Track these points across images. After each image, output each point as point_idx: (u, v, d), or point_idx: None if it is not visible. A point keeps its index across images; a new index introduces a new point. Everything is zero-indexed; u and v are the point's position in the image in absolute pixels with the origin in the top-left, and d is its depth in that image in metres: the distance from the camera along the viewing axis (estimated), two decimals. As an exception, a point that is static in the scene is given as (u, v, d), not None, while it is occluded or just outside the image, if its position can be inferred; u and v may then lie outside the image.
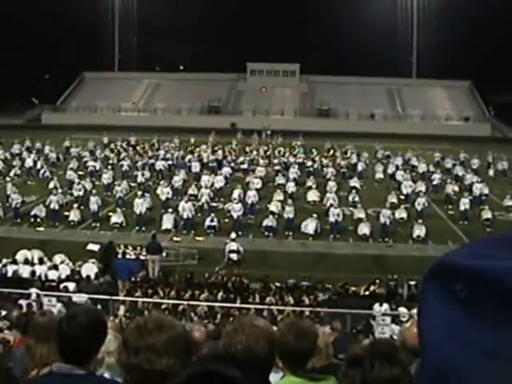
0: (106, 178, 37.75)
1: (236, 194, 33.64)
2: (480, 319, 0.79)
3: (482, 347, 0.78)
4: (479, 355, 0.77)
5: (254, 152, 47.59)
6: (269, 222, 30.32)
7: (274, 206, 32.51)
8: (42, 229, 30.10)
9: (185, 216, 30.27)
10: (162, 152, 46.37)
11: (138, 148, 49.70)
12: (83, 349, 3.31)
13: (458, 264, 0.83)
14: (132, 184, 37.62)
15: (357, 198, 34.69)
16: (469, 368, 0.78)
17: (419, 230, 29.21)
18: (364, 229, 29.59)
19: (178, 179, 37.08)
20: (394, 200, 34.33)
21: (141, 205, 30.90)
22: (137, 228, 30.44)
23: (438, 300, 0.85)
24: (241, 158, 44.98)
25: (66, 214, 31.33)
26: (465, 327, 0.80)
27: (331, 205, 31.73)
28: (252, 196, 33.42)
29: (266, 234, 29.97)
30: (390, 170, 42.57)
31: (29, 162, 42.62)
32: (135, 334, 2.59)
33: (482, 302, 0.79)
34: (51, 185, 35.49)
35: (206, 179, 37.20)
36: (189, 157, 44.94)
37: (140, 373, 2.50)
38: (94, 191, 33.54)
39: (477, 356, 0.78)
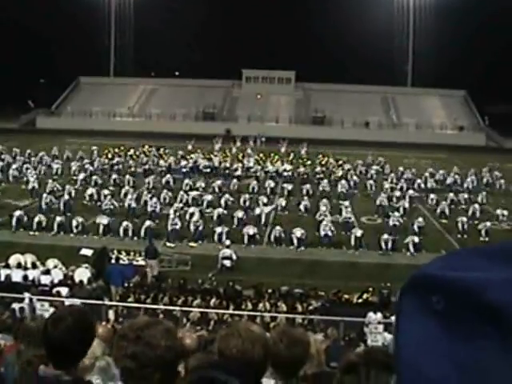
0: (91, 190, 37.03)
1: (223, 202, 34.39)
2: (455, 331, 0.78)
3: (457, 360, 0.77)
4: (454, 368, 0.77)
5: (250, 159, 47.64)
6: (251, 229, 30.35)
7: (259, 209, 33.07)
8: (36, 233, 29.98)
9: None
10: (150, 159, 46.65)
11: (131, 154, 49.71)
12: (70, 352, 3.22)
13: (434, 275, 0.83)
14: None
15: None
16: (444, 381, 0.78)
17: (414, 238, 29.34)
18: (357, 232, 29.75)
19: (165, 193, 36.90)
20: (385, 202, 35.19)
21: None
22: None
23: (414, 313, 0.84)
24: (235, 166, 44.99)
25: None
26: (440, 340, 0.79)
27: (324, 215, 31.67)
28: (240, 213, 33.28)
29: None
30: (387, 184, 42.10)
31: (14, 169, 42.33)
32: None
33: (457, 314, 0.78)
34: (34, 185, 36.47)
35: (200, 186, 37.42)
36: (183, 163, 44.96)
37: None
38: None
39: (451, 369, 0.77)
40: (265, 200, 35.32)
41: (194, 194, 35.74)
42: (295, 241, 29.34)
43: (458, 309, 0.78)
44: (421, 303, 0.83)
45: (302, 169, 44.61)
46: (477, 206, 35.42)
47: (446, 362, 0.77)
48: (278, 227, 30.19)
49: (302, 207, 35.06)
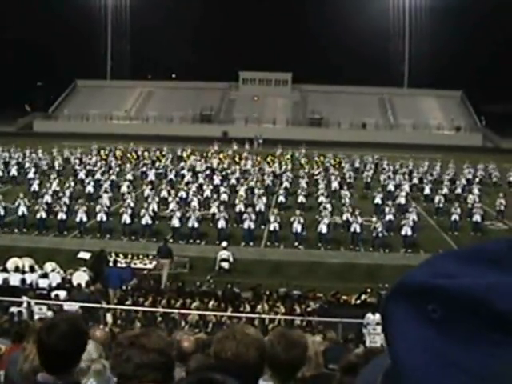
0: (90, 187, 37.74)
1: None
2: (458, 339, 0.76)
3: (463, 366, 0.75)
4: (463, 376, 0.75)
5: (247, 161, 47.58)
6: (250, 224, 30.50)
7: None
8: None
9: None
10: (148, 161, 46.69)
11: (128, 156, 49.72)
12: (65, 358, 3.26)
13: (425, 283, 0.80)
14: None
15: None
16: None
17: (407, 231, 29.60)
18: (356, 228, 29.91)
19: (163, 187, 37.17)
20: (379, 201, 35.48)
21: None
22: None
23: (408, 321, 0.81)
24: (232, 168, 44.91)
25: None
26: (442, 348, 0.77)
27: (322, 214, 31.74)
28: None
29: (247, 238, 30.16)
30: (382, 179, 42.51)
31: (13, 171, 42.71)
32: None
33: (458, 322, 0.77)
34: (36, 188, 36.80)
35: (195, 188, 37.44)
36: (181, 164, 45.01)
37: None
38: (80, 200, 32.93)
39: (457, 375, 0.75)
40: (264, 199, 35.38)
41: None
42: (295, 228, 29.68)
43: (459, 317, 0.76)
44: (414, 311, 0.81)
45: (300, 171, 44.60)
46: (471, 196, 35.81)
47: (454, 369, 0.76)
48: (277, 218, 30.43)
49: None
